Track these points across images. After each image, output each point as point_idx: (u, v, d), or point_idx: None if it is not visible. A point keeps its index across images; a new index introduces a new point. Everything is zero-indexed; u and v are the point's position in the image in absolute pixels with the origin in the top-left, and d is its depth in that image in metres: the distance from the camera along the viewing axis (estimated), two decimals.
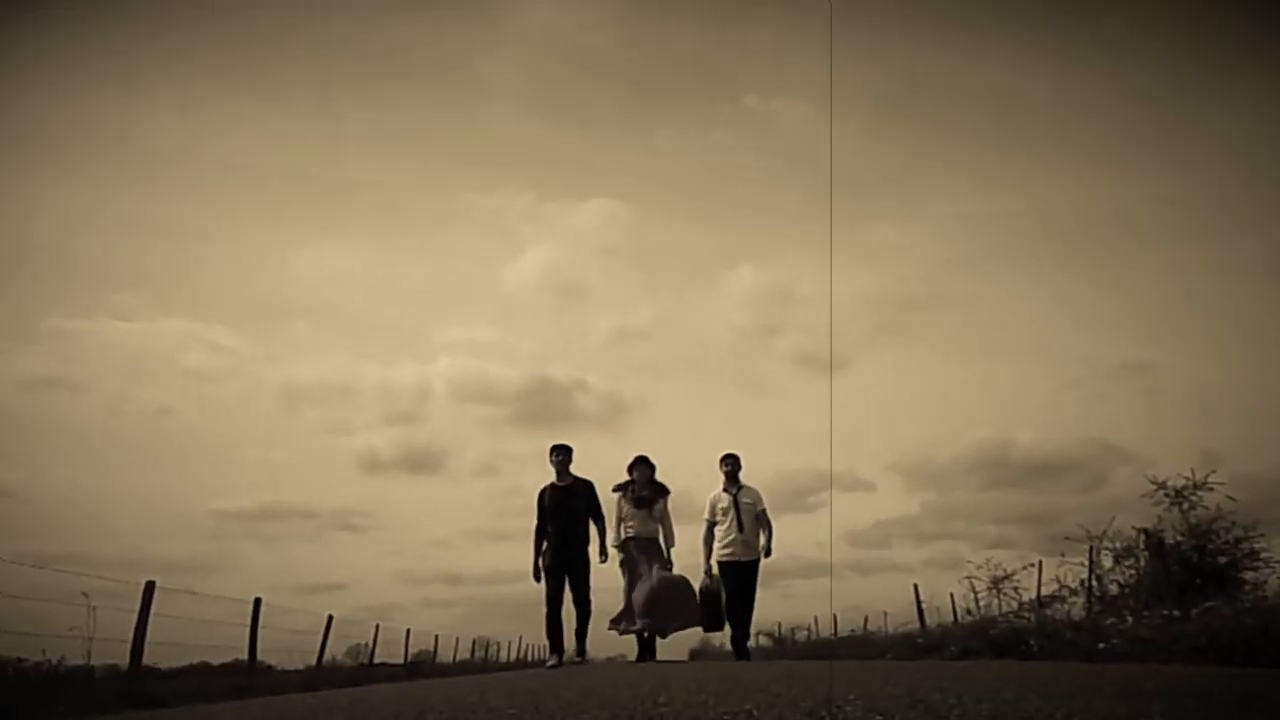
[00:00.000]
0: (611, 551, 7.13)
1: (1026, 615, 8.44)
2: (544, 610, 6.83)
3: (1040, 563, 9.43)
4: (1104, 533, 7.94)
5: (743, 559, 7.23)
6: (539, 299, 50.85)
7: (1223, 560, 6.95)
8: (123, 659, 6.55)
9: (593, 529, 7.11)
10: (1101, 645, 4.96)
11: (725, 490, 7.52)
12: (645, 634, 6.99)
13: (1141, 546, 7.47)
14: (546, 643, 6.96)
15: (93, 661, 6.16)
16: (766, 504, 7.54)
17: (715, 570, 7.38)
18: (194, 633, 7.60)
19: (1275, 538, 6.92)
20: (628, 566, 7.17)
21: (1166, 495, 7.40)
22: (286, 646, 11.00)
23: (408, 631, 17.08)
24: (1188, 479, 7.36)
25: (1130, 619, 5.66)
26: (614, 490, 7.32)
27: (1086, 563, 8.20)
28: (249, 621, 9.49)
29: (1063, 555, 8.52)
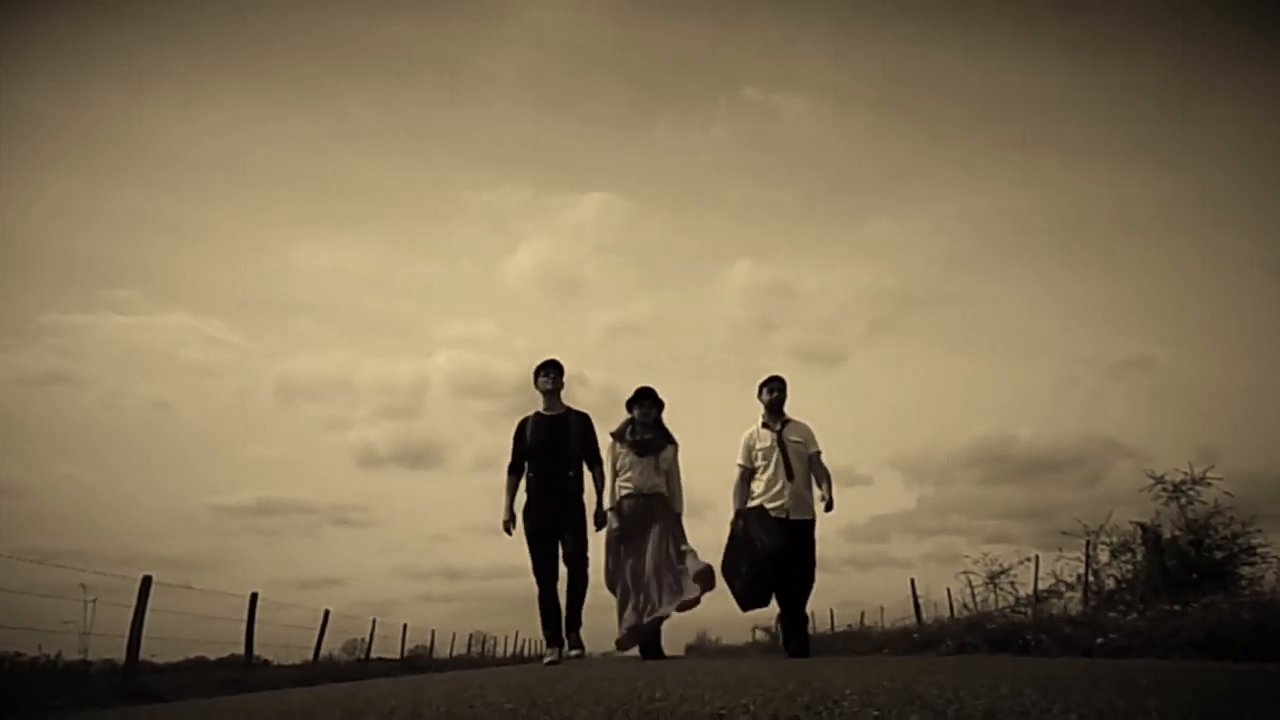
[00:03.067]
0: (609, 517, 5.50)
1: (1023, 610, 8.46)
2: (536, 590, 5.32)
3: (1037, 557, 9.45)
4: (1101, 527, 7.96)
5: (793, 516, 5.48)
6: (537, 294, 50.92)
7: (1220, 555, 6.96)
8: (120, 654, 6.56)
9: (589, 480, 5.62)
10: (1098, 640, 4.97)
11: (766, 426, 5.73)
12: (652, 628, 5.29)
13: (1139, 541, 7.49)
14: (543, 635, 5.39)
15: (90, 657, 6.16)
16: (821, 445, 5.81)
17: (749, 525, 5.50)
18: (191, 628, 7.61)
19: (1272, 533, 6.94)
20: (619, 536, 5.43)
21: (1164, 490, 7.41)
22: (283, 641, 11.03)
23: (404, 626, 17.12)
24: (1186, 474, 7.37)
25: (1127, 614, 5.67)
26: (611, 436, 5.64)
27: (1084, 557, 8.21)
28: (246, 616, 9.52)
29: (1060, 550, 8.54)
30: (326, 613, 12.21)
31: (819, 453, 5.79)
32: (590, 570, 5.41)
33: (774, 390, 5.79)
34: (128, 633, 6.61)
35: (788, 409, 5.87)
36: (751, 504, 5.62)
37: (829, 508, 5.57)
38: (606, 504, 5.52)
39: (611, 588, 5.53)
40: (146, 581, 6.76)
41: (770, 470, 5.62)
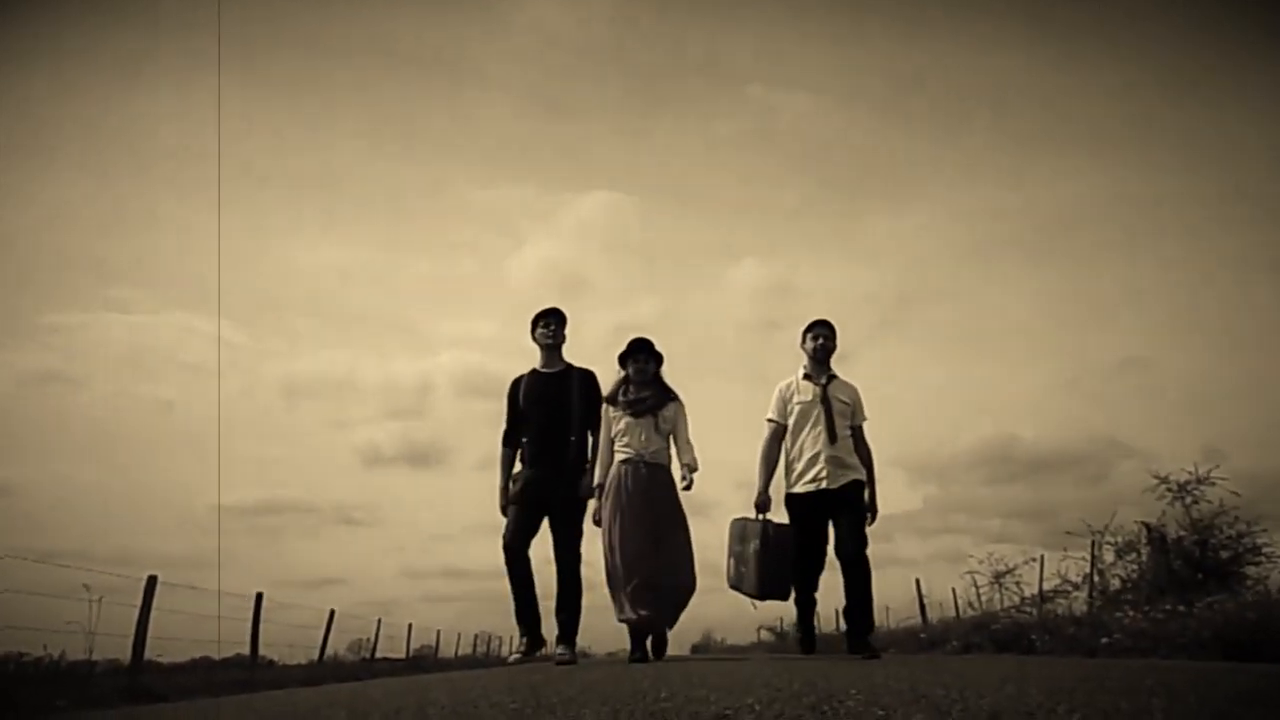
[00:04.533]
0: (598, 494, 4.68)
1: (1028, 610, 8.46)
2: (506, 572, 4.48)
3: (1042, 557, 9.46)
4: (1106, 527, 7.95)
5: (832, 487, 4.60)
6: (541, 293, 50.98)
7: (1225, 555, 6.95)
8: (124, 654, 6.58)
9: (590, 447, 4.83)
10: (1103, 640, 4.96)
11: (809, 379, 4.84)
12: (640, 628, 4.48)
13: (1144, 541, 7.47)
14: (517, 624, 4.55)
15: (94, 657, 6.18)
16: (868, 414, 4.88)
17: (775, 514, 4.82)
18: (195, 628, 7.63)
19: (1277, 532, 6.92)
20: (614, 510, 4.57)
21: (1169, 490, 7.40)
22: (288, 641, 11.08)
23: (409, 626, 17.17)
24: (1190, 474, 7.36)
25: (1132, 614, 5.65)
26: (604, 400, 4.82)
27: (1088, 557, 8.20)
28: (251, 616, 9.55)
29: (1065, 550, 8.54)
30: (332, 612, 12.24)
31: (864, 423, 4.89)
32: (583, 568, 4.61)
33: (819, 336, 4.87)
34: (133, 632, 6.63)
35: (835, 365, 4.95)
36: (790, 485, 4.78)
37: (872, 515, 4.69)
38: (597, 477, 4.72)
39: (612, 566, 4.65)
40: (152, 581, 6.77)
41: (808, 430, 4.72)
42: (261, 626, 9.71)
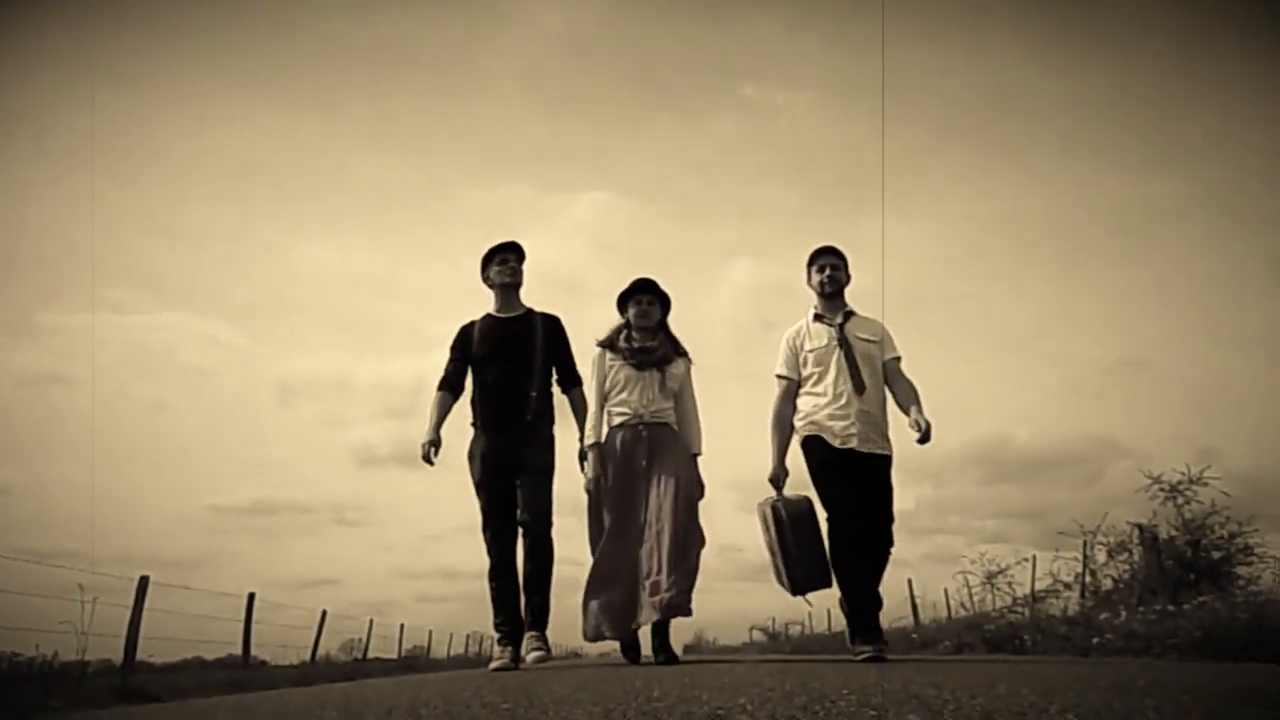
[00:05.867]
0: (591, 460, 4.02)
1: (1021, 610, 8.48)
2: (488, 562, 3.87)
3: (1034, 557, 9.48)
4: (1098, 528, 7.99)
5: (861, 449, 3.83)
6: (537, 293, 50.37)
7: (1217, 555, 6.98)
8: (117, 654, 6.57)
9: (560, 403, 4.15)
10: (1095, 640, 4.98)
11: (821, 319, 4.08)
12: (634, 629, 3.82)
13: (1136, 541, 7.50)
14: (494, 629, 3.92)
15: (87, 657, 6.15)
16: (900, 351, 4.10)
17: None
18: (188, 628, 7.63)
19: (1270, 533, 6.96)
20: (608, 483, 3.93)
21: (1161, 490, 7.43)
22: (280, 641, 11.08)
23: (401, 626, 17.16)
24: (1183, 474, 7.39)
25: (1124, 614, 5.67)
26: (599, 346, 4.18)
27: (1081, 558, 8.23)
28: (243, 617, 9.54)
29: (1057, 550, 8.57)
30: (324, 613, 12.22)
31: (899, 359, 4.06)
32: (554, 537, 3.90)
33: (825, 266, 4.06)
34: (125, 633, 6.61)
35: (851, 300, 4.13)
36: (802, 430, 3.95)
37: (926, 436, 3.78)
38: (589, 438, 4.03)
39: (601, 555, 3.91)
40: (144, 582, 6.76)
41: (829, 379, 3.91)
42: (254, 627, 9.69)
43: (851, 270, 4.20)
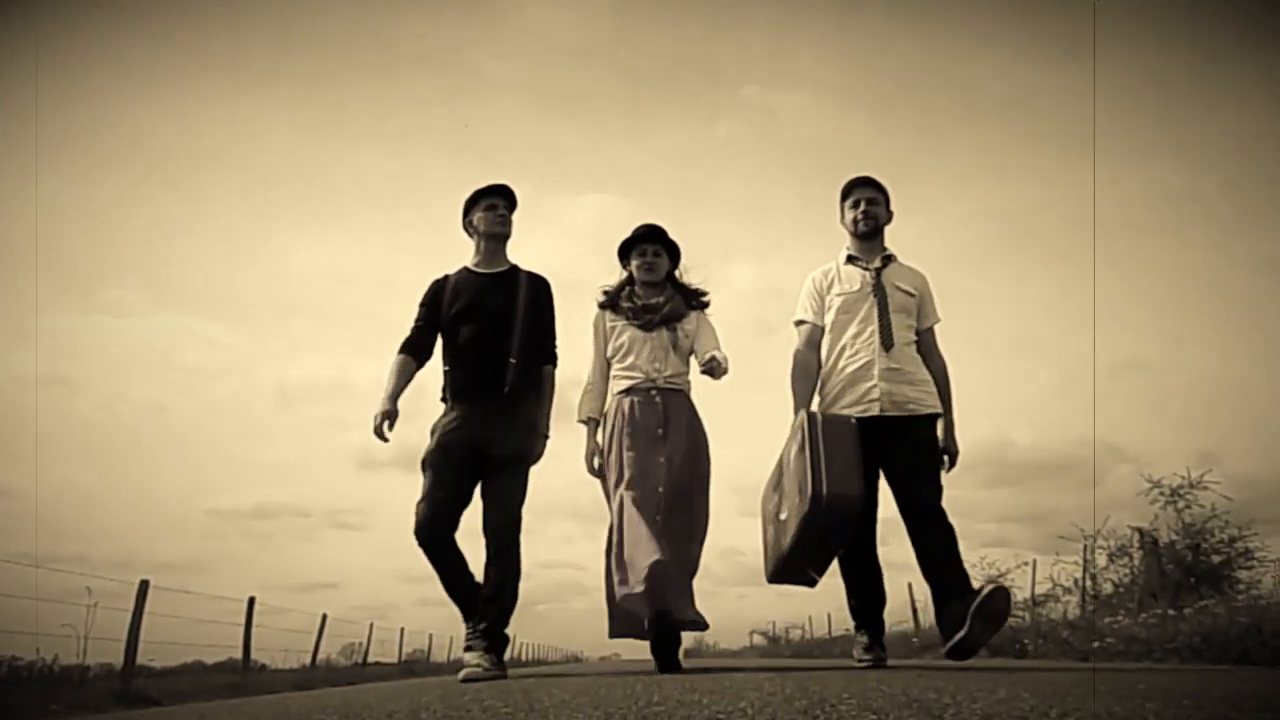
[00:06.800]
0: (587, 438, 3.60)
1: (1021, 614, 8.47)
2: (421, 549, 3.35)
3: (1035, 562, 9.49)
4: (1099, 531, 7.99)
5: (888, 412, 3.32)
6: None
7: (1217, 559, 6.99)
8: (117, 658, 6.56)
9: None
10: (1096, 644, 4.98)
11: (854, 261, 3.57)
12: (661, 627, 3.14)
13: (1136, 546, 7.51)
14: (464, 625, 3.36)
15: (87, 661, 6.16)
16: (941, 314, 3.60)
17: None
18: (188, 632, 7.64)
19: (1270, 536, 6.98)
20: (625, 452, 3.40)
21: (1161, 494, 7.44)
22: (281, 646, 11.08)
23: (402, 630, 17.15)
24: (1183, 478, 7.40)
25: (1124, 618, 5.67)
26: (599, 307, 3.74)
27: (1081, 562, 8.24)
28: (243, 621, 9.53)
29: (1057, 554, 8.58)
30: (324, 617, 12.21)
31: (935, 325, 3.57)
32: (520, 545, 3.37)
33: (861, 200, 3.54)
34: (125, 637, 6.61)
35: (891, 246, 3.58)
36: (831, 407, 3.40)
37: (951, 459, 3.40)
38: (583, 413, 3.60)
39: (619, 548, 3.28)
40: (144, 586, 6.75)
41: (853, 332, 3.40)
42: (254, 631, 9.67)
43: (893, 207, 3.63)
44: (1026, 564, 9.61)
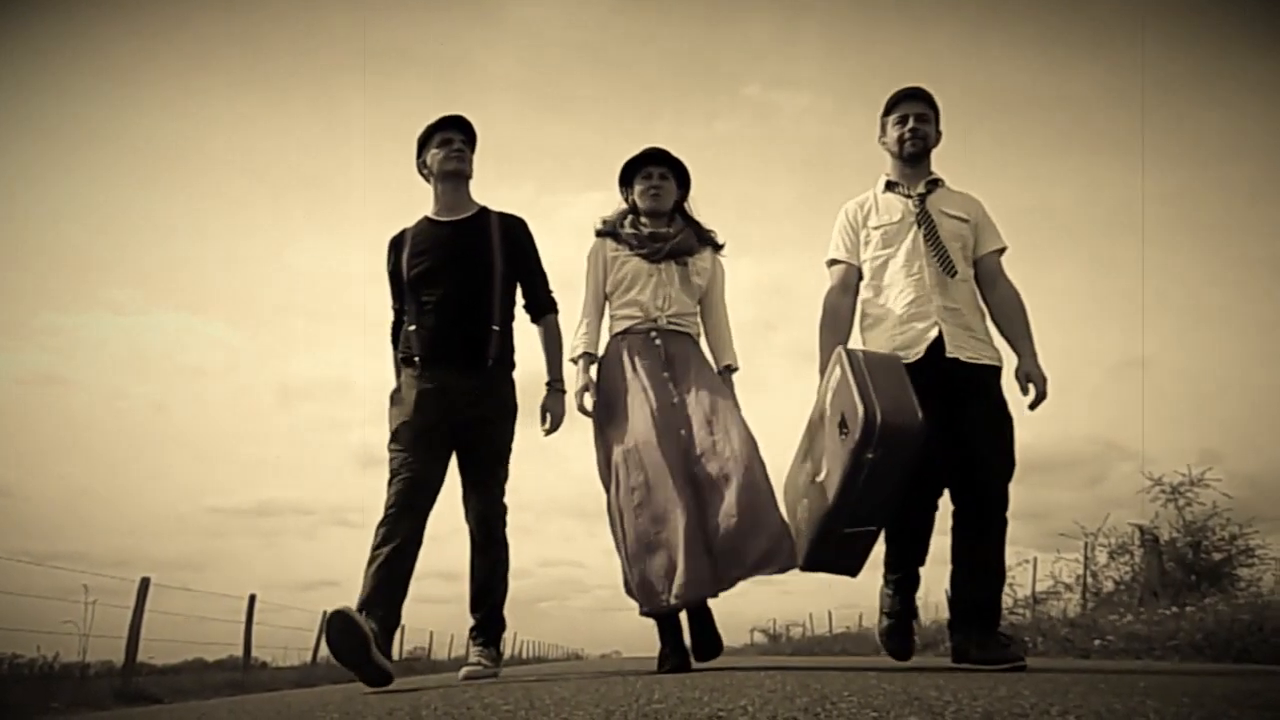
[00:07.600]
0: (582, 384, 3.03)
1: (1021, 612, 8.47)
2: (375, 541, 2.79)
3: (1035, 559, 9.48)
4: (1099, 529, 7.99)
5: (951, 354, 2.79)
6: None
7: (1218, 557, 6.99)
8: (117, 655, 6.57)
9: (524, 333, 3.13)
10: (1096, 642, 4.98)
11: (894, 188, 3.04)
12: (688, 608, 2.80)
13: (1137, 543, 7.51)
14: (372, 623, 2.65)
15: (87, 658, 6.17)
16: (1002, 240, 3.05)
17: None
18: (189, 629, 7.65)
19: (1271, 534, 6.99)
20: (620, 400, 2.90)
21: (1163, 492, 7.44)
22: (281, 643, 11.09)
23: (402, 628, 17.14)
24: (1184, 476, 7.40)
25: (1125, 616, 5.67)
26: (598, 235, 3.24)
27: (1082, 559, 8.24)
28: (244, 618, 9.53)
29: (1058, 552, 8.58)
30: (325, 614, 12.24)
31: (1002, 253, 3.04)
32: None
33: (908, 116, 3.03)
34: (126, 634, 6.61)
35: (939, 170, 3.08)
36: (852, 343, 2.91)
37: (1039, 397, 2.89)
38: (576, 349, 3.09)
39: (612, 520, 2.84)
40: (145, 583, 6.75)
41: (900, 269, 2.90)
42: (255, 628, 9.68)
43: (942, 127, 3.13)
44: (1027, 561, 9.62)
